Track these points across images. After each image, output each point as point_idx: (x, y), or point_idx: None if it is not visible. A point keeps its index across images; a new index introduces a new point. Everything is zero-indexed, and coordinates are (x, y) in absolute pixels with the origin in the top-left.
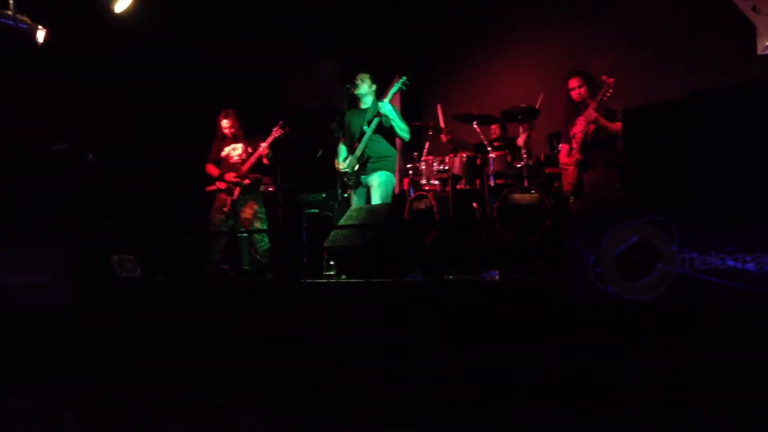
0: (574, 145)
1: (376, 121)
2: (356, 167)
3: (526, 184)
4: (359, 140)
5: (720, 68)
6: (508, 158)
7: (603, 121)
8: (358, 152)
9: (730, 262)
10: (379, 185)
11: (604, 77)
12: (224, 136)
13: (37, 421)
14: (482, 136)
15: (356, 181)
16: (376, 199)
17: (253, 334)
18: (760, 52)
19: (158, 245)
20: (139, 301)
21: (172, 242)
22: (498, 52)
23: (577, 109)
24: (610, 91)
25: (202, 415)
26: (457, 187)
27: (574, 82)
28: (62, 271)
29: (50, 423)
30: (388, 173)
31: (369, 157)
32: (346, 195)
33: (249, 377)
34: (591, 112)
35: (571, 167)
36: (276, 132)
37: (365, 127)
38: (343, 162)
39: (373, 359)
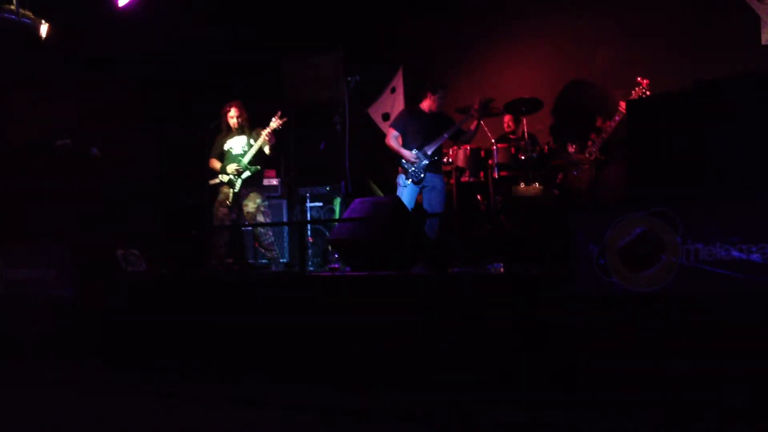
0: (598, 142)
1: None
2: (425, 163)
3: (530, 176)
4: (430, 140)
5: (724, 59)
6: (512, 150)
7: None
8: (429, 151)
9: (735, 253)
10: (442, 189)
11: (639, 78)
12: (228, 129)
13: (40, 414)
14: (485, 128)
15: (422, 176)
16: (435, 202)
17: (258, 327)
18: (764, 42)
19: (163, 239)
20: (144, 295)
21: (176, 236)
22: (502, 45)
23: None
24: (647, 92)
25: (205, 410)
26: (462, 179)
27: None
28: (68, 265)
29: (52, 417)
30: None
31: (436, 158)
32: (406, 185)
33: (251, 372)
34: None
35: (587, 165)
36: (275, 122)
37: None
38: (413, 153)
39: (377, 353)
